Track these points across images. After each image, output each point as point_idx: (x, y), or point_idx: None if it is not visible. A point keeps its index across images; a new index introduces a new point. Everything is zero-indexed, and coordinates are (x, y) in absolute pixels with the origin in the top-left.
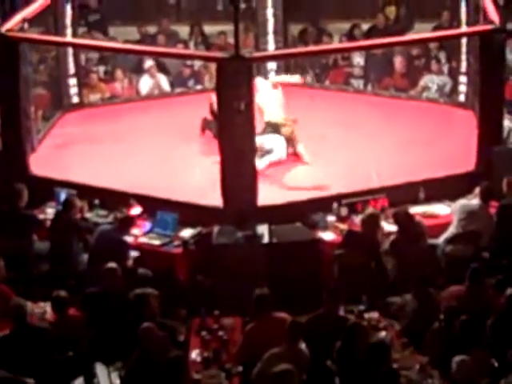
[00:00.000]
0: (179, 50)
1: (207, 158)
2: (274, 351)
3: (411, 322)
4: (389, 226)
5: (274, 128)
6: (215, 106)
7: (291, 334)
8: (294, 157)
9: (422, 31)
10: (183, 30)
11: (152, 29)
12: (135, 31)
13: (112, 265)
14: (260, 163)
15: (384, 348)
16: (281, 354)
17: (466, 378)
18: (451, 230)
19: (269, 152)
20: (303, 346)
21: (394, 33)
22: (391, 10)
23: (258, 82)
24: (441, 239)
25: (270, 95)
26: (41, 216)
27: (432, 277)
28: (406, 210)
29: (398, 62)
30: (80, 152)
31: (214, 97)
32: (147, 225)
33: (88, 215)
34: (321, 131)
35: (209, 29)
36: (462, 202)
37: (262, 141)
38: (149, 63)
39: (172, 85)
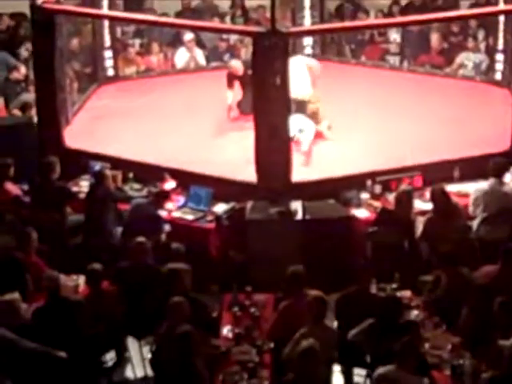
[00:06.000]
0: (216, 23)
1: (241, 132)
2: (302, 331)
3: (441, 299)
4: (423, 205)
5: (298, 106)
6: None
7: (315, 313)
8: (318, 134)
9: (461, 9)
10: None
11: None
12: (171, 4)
13: (141, 239)
14: (303, 145)
15: (413, 325)
16: (308, 334)
17: None
18: (481, 216)
19: (301, 131)
20: (330, 323)
21: (431, 9)
22: None
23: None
24: (474, 222)
25: (297, 71)
26: (75, 189)
27: (464, 255)
28: (442, 187)
29: (435, 39)
30: (115, 125)
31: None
32: (181, 199)
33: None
34: (355, 108)
35: (249, 3)
36: (474, 188)
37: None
38: (189, 36)
39: (207, 59)
